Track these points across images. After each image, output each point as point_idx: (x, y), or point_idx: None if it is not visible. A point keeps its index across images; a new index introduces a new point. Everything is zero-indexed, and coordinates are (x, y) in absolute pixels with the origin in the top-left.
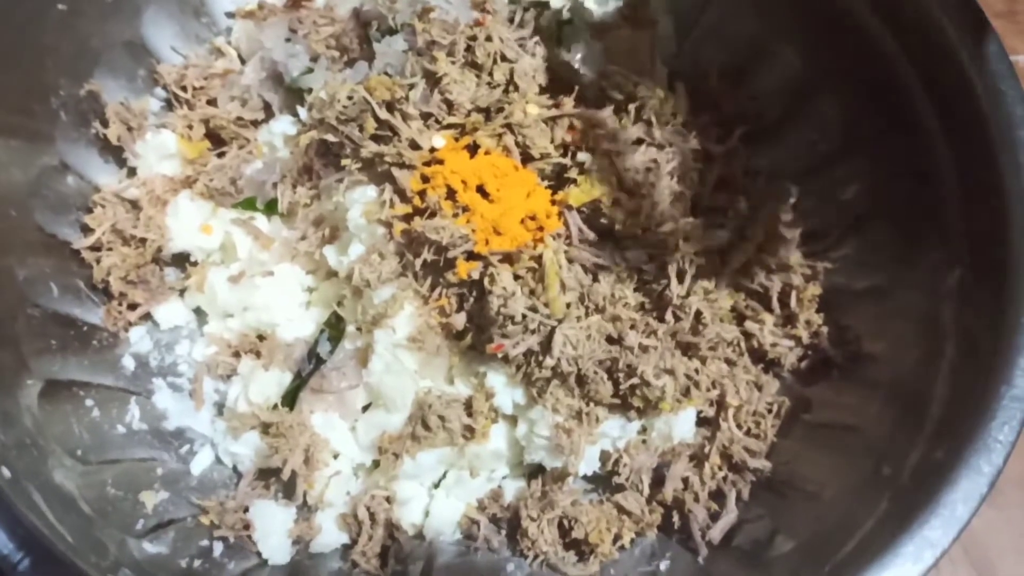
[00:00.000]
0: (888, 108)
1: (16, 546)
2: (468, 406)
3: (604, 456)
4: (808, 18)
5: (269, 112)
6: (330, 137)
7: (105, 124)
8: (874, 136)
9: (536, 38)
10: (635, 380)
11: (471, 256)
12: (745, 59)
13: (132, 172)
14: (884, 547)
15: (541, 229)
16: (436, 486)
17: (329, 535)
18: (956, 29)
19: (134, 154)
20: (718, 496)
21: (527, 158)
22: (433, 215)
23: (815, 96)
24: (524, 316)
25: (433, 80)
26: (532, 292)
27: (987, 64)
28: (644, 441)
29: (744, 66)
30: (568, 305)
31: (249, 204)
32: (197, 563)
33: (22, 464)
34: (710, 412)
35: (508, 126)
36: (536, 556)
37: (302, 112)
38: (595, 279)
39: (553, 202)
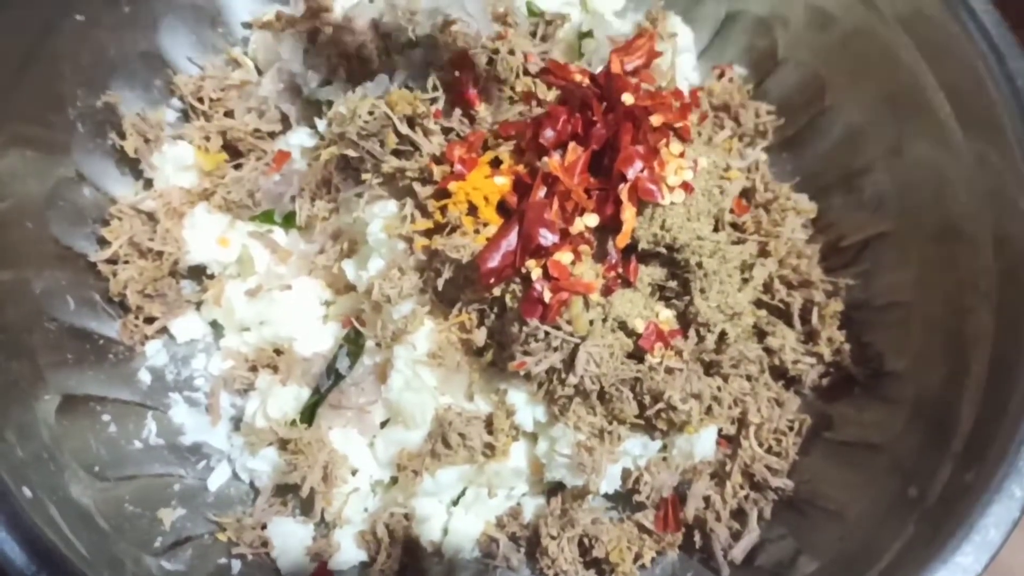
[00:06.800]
0: (909, 119)
1: (32, 561)
2: (488, 423)
3: (625, 474)
4: (829, 32)
5: (286, 124)
6: (350, 152)
7: (122, 136)
8: (896, 148)
9: (557, 52)
10: (661, 405)
11: None
12: (766, 72)
13: (148, 184)
14: (914, 571)
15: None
16: (454, 503)
17: (347, 552)
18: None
19: (151, 166)
20: (740, 515)
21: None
22: (454, 231)
23: (836, 109)
24: (547, 333)
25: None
26: None
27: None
28: (665, 459)
29: (765, 79)
30: (591, 323)
31: (267, 217)
32: None
33: (39, 479)
34: (731, 430)
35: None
36: (556, 575)
37: (320, 124)
38: (618, 297)
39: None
